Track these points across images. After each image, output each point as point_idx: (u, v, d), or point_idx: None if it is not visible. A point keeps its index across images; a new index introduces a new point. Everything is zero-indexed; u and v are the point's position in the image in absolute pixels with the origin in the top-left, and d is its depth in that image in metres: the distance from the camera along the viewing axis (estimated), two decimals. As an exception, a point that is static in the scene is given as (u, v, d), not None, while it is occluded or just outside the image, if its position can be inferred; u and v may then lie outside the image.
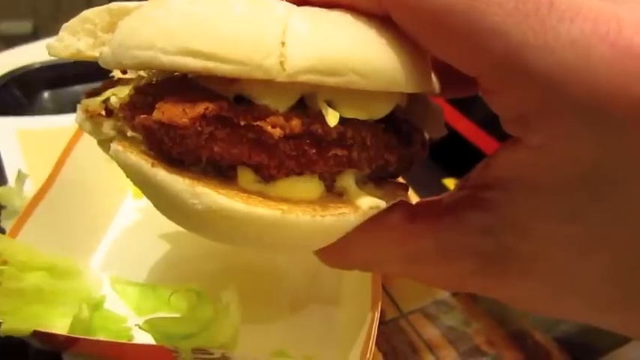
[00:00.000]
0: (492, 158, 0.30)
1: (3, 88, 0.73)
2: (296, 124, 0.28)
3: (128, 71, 0.37)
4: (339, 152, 0.30)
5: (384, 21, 0.29)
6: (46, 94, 0.76)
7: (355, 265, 0.35)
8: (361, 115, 0.31)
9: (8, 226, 0.53)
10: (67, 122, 0.68)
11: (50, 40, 0.36)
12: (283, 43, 0.27)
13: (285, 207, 0.29)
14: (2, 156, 0.61)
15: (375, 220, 0.32)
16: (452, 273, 0.32)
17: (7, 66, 0.78)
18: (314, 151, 0.29)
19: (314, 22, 0.28)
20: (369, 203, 0.31)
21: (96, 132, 0.35)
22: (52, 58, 0.36)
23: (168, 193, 0.28)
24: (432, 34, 0.28)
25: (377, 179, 0.35)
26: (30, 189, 0.55)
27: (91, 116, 0.35)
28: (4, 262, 0.40)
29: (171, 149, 0.29)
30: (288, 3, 0.29)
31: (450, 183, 0.67)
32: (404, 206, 0.34)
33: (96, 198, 0.54)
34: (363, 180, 0.34)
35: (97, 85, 0.37)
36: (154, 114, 0.28)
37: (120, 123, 0.33)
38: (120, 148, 0.30)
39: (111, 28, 0.35)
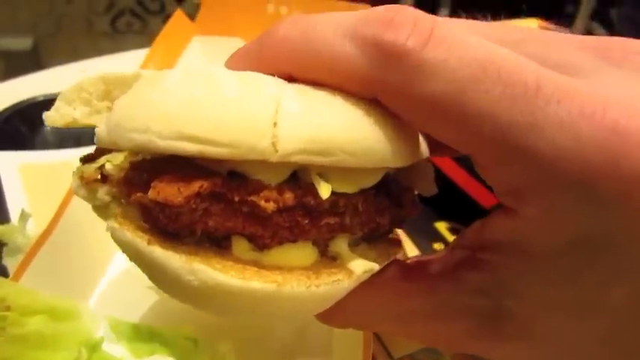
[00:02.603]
0: (488, 220, 0.31)
1: (6, 122, 0.74)
2: (288, 197, 0.30)
3: None
4: (332, 220, 0.31)
5: (372, 100, 0.30)
6: (48, 128, 0.77)
7: (349, 325, 0.36)
8: (352, 189, 0.32)
9: (10, 263, 0.55)
10: (68, 157, 0.69)
11: (48, 112, 0.37)
12: (275, 124, 0.28)
13: (279, 278, 0.30)
14: (5, 192, 0.62)
15: (369, 281, 0.33)
16: (447, 333, 0.33)
17: (9, 94, 0.80)
18: (307, 221, 0.31)
19: (305, 100, 0.29)
20: (362, 267, 0.32)
21: (91, 198, 0.35)
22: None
23: (164, 270, 0.29)
24: (422, 118, 0.29)
25: (369, 239, 0.36)
26: (32, 227, 0.57)
27: (86, 183, 0.35)
28: (8, 308, 0.41)
29: (166, 225, 0.30)
30: (279, 79, 0.30)
31: (442, 226, 0.68)
32: (398, 264, 0.35)
33: (95, 239, 0.55)
34: (355, 241, 0.35)
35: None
36: (149, 193, 0.29)
37: (115, 189, 0.34)
38: (116, 225, 0.31)
39: (106, 96, 0.37)
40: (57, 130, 0.77)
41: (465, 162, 0.65)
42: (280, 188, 0.30)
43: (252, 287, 0.29)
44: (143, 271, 0.32)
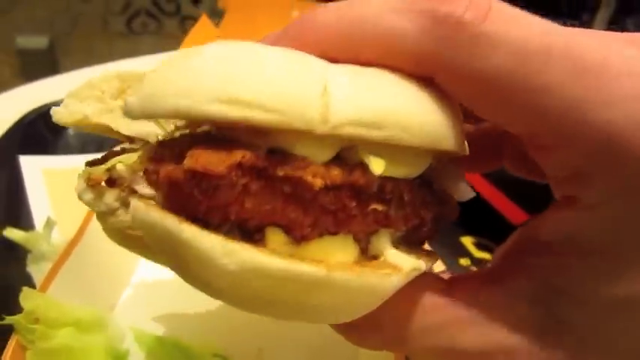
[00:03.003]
0: (539, 221, 0.29)
1: (30, 125, 0.74)
2: (337, 174, 0.27)
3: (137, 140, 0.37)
4: (379, 207, 0.29)
5: (420, 78, 0.29)
6: (70, 131, 0.77)
7: (386, 344, 0.33)
8: (399, 173, 0.30)
9: (34, 270, 0.54)
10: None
11: (56, 108, 0.36)
12: (325, 95, 0.26)
13: (324, 266, 0.27)
14: (29, 197, 0.62)
15: (406, 291, 0.30)
16: (496, 349, 0.30)
17: (29, 97, 0.80)
18: (354, 204, 0.28)
19: (354, 75, 0.28)
20: (410, 264, 0.30)
21: (96, 203, 0.32)
22: None
23: (195, 252, 0.26)
24: (480, 95, 0.27)
25: (408, 244, 0.34)
26: (56, 233, 0.56)
27: (92, 185, 0.32)
28: (36, 321, 0.40)
29: (198, 206, 0.27)
30: (320, 59, 0.29)
31: (468, 241, 0.67)
32: (438, 277, 0.33)
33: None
34: (395, 244, 0.33)
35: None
36: (185, 162, 0.26)
37: (124, 194, 0.32)
38: (141, 204, 0.28)
39: (120, 94, 0.35)
40: (79, 134, 0.77)
41: (493, 176, 0.64)
42: (327, 166, 0.27)
43: (299, 271, 0.26)
44: (168, 260, 0.29)
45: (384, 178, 0.29)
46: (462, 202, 0.36)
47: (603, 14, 2.08)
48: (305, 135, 0.26)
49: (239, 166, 0.26)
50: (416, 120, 0.27)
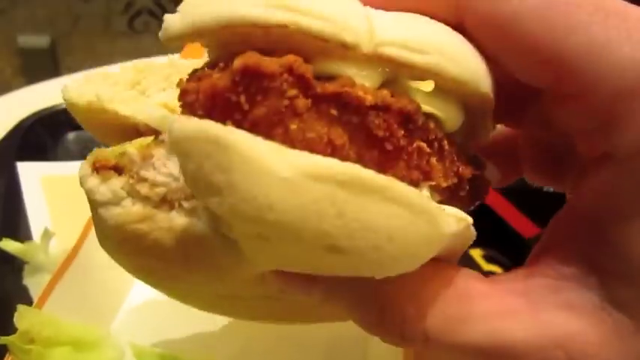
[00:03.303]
0: (576, 197, 0.28)
1: (30, 129, 0.72)
2: (386, 95, 0.26)
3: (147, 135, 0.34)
4: (423, 146, 0.27)
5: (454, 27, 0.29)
6: (71, 136, 0.76)
7: (416, 334, 0.28)
8: (440, 112, 0.29)
9: (31, 283, 0.53)
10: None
11: (67, 84, 0.34)
12: (369, 18, 0.26)
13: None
14: (27, 206, 0.61)
15: (450, 274, 0.29)
16: (552, 342, 0.27)
17: (30, 100, 0.78)
18: (402, 132, 0.26)
19: (393, 13, 0.27)
20: (460, 214, 0.28)
21: (100, 190, 0.29)
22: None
23: (244, 158, 0.22)
24: (504, 41, 0.27)
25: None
26: (54, 243, 0.55)
27: (98, 169, 0.30)
28: (31, 341, 0.39)
29: (244, 118, 0.24)
30: None
31: (476, 253, 0.66)
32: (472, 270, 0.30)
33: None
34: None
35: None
36: (235, 63, 0.24)
37: (132, 181, 0.29)
38: (182, 117, 0.24)
39: (135, 86, 0.34)
40: (80, 139, 0.76)
41: (505, 189, 0.63)
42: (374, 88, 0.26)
43: (363, 175, 0.23)
44: (204, 177, 0.23)
45: (427, 115, 0.28)
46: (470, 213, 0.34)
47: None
48: (350, 57, 0.25)
49: (290, 70, 0.24)
50: (458, 51, 0.27)
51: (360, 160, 0.25)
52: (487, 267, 0.64)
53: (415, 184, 0.28)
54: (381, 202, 0.24)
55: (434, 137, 0.28)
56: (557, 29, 0.26)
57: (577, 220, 0.29)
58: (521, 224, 0.60)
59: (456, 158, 0.29)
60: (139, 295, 0.54)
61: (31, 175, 0.64)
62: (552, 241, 0.30)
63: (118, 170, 0.30)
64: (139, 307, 0.53)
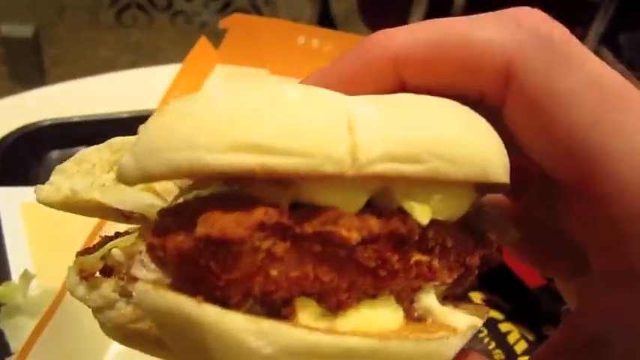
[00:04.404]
0: (580, 313, 0.27)
1: (12, 146, 0.69)
2: (374, 223, 0.23)
3: (133, 218, 0.32)
4: (422, 258, 0.25)
5: (459, 103, 0.27)
6: (55, 154, 0.72)
7: None
8: (441, 215, 0.26)
9: (8, 325, 0.50)
10: (76, 194, 0.64)
11: (41, 186, 0.32)
12: (351, 129, 0.22)
13: (375, 335, 0.23)
14: (5, 239, 0.57)
15: None
16: None
17: (15, 111, 0.75)
18: (396, 257, 0.24)
19: (380, 104, 0.24)
20: (466, 322, 0.26)
21: (92, 298, 0.28)
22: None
23: (221, 337, 0.21)
24: (544, 121, 0.26)
25: (453, 299, 0.30)
26: (34, 284, 0.51)
27: (86, 277, 0.29)
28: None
29: (215, 281, 0.22)
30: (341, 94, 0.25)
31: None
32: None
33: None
34: (440, 300, 0.28)
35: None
36: (197, 229, 0.22)
37: (123, 282, 0.27)
38: (149, 287, 0.23)
39: (112, 167, 0.31)
40: (65, 158, 0.72)
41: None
42: (360, 215, 0.24)
43: (349, 344, 0.22)
44: (187, 352, 0.24)
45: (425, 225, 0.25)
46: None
47: (596, 29, 2.08)
48: (332, 181, 0.23)
49: (261, 226, 0.22)
50: (459, 149, 0.24)
51: (352, 288, 0.24)
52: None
53: (416, 289, 0.26)
54: None
55: (434, 243, 0.26)
56: (606, 125, 0.24)
57: (581, 336, 0.27)
58: (527, 274, 0.58)
59: (461, 248, 0.27)
60: (120, 349, 0.51)
61: (9, 202, 0.61)
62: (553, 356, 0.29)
63: (107, 272, 0.28)
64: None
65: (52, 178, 0.31)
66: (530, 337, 0.62)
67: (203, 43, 0.73)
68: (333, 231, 0.22)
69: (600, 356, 0.26)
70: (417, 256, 0.25)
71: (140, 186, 0.31)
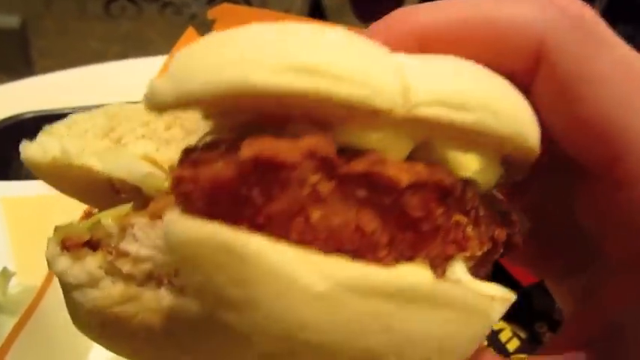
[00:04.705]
0: (594, 300, 0.28)
1: (-8, 140, 0.67)
2: (422, 169, 0.22)
3: (124, 192, 0.30)
4: (461, 219, 0.24)
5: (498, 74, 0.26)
6: (37, 149, 0.70)
7: None
8: (478, 175, 0.26)
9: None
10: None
11: (27, 144, 0.29)
12: (402, 72, 0.22)
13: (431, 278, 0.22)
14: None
15: None
16: None
17: (1, 102, 0.73)
18: (440, 210, 0.23)
19: (421, 58, 0.24)
20: (500, 292, 0.25)
21: (73, 272, 0.25)
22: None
23: (269, 270, 0.19)
24: (571, 99, 0.26)
25: (478, 274, 0.29)
26: (14, 282, 0.50)
27: (69, 247, 0.26)
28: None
29: (254, 218, 0.20)
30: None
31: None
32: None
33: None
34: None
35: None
36: (242, 153, 0.19)
37: (111, 258, 0.25)
38: (181, 215, 0.20)
39: (108, 134, 0.29)
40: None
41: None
42: (407, 161, 0.23)
43: (409, 283, 0.21)
44: (218, 291, 0.20)
45: (464, 182, 0.24)
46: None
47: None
48: (377, 123, 0.22)
49: (312, 155, 0.20)
50: (505, 102, 0.24)
51: (391, 244, 0.22)
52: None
53: (449, 258, 0.25)
54: (431, 309, 0.21)
55: (471, 206, 0.25)
56: (635, 107, 0.24)
57: (596, 326, 0.27)
58: (519, 271, 0.57)
59: (490, 222, 0.26)
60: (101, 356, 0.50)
61: (-9, 196, 0.59)
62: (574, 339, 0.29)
63: (92, 246, 0.26)
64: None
65: (39, 139, 0.28)
66: (523, 335, 0.61)
67: (190, 34, 0.71)
68: (381, 172, 0.21)
69: (620, 340, 0.26)
70: (456, 216, 0.24)
71: (140, 154, 0.29)
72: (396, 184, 0.21)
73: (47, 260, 0.27)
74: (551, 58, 0.26)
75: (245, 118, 0.22)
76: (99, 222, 0.26)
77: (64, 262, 0.26)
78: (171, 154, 0.30)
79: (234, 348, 0.24)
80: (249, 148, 0.19)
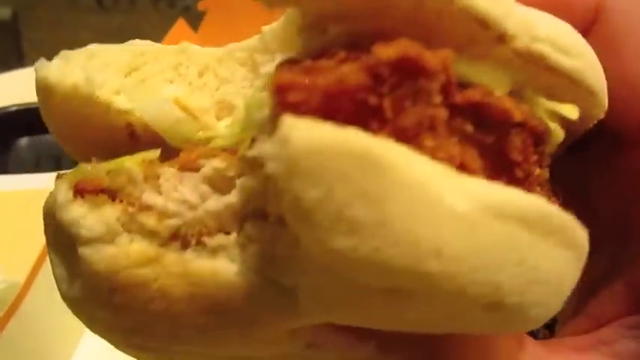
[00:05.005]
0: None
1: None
2: (526, 110, 0.22)
3: (142, 140, 0.26)
4: (542, 173, 0.23)
5: None
6: (23, 142, 0.69)
7: None
8: (557, 130, 0.25)
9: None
10: (48, 183, 0.61)
11: (46, 63, 0.25)
12: (525, 9, 0.23)
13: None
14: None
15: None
16: None
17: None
18: (535, 158, 0.22)
19: (531, 8, 0.24)
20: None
21: (88, 222, 0.22)
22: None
23: (408, 185, 0.17)
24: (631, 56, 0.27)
25: None
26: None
27: (82, 192, 0.22)
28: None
29: (381, 127, 0.18)
30: None
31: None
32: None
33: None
34: None
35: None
36: (380, 52, 0.18)
37: (132, 210, 0.21)
38: (305, 121, 0.17)
39: (130, 72, 0.25)
40: (35, 147, 0.69)
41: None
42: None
43: (549, 211, 0.19)
44: (342, 207, 0.16)
45: (549, 135, 0.25)
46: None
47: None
48: (491, 55, 0.22)
49: (445, 68, 0.19)
50: (594, 57, 0.25)
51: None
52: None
53: None
54: (558, 246, 0.20)
55: (548, 163, 0.24)
56: None
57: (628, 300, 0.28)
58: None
59: (550, 186, 0.25)
60: (91, 346, 0.48)
61: (-25, 190, 0.58)
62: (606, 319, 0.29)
63: (111, 194, 0.22)
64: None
65: (55, 62, 0.24)
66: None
67: (180, 25, 0.70)
68: (497, 104, 0.20)
69: None
70: (538, 170, 0.23)
71: (173, 98, 0.25)
72: (510, 117, 0.21)
73: (58, 205, 0.22)
74: (605, 17, 0.27)
75: (361, 30, 0.21)
76: (121, 165, 0.22)
77: (77, 209, 0.22)
78: (205, 103, 0.26)
79: (271, 312, 0.21)
80: (395, 49, 0.17)
